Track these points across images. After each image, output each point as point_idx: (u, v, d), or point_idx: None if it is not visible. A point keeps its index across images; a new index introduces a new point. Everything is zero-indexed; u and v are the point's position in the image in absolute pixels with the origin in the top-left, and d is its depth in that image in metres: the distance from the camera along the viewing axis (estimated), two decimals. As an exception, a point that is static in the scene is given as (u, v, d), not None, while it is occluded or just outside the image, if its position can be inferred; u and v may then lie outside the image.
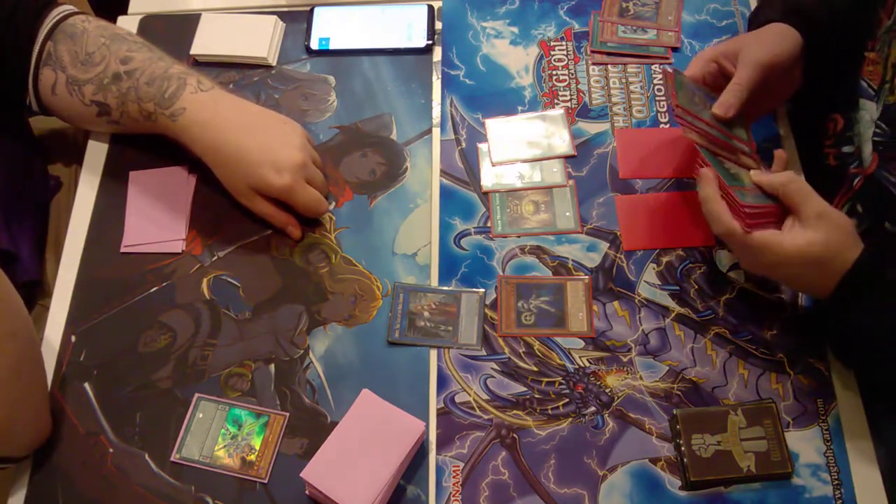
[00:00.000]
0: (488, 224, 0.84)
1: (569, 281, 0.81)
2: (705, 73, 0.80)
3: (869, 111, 0.78)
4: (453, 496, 0.71)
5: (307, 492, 0.71)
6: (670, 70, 0.80)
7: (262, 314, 0.80)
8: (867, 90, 0.79)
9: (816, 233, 0.67)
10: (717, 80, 0.79)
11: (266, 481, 0.72)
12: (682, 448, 0.71)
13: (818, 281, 0.69)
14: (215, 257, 0.83)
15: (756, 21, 0.83)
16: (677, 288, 0.81)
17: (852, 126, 0.81)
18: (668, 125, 0.90)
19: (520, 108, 0.91)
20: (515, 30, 0.97)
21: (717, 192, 0.72)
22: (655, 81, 0.92)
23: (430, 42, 0.95)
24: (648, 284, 0.81)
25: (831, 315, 0.71)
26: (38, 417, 0.72)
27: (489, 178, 0.87)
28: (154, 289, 0.82)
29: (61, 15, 0.84)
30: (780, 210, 0.71)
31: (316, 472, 0.68)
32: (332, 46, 0.96)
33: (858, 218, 0.78)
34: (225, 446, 0.74)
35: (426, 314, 0.80)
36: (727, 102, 0.75)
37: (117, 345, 0.79)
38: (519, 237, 0.84)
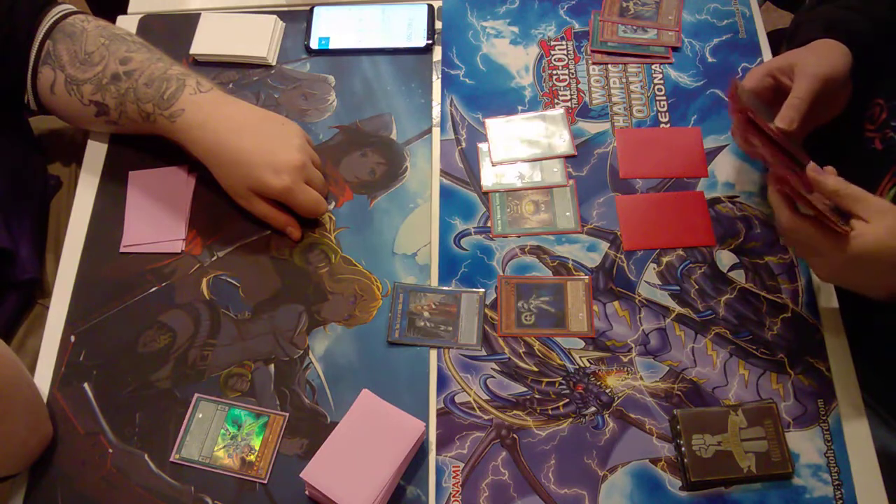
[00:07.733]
0: (488, 224, 0.84)
1: (569, 281, 0.81)
2: (760, 88, 0.78)
3: None
4: (453, 496, 0.71)
5: (307, 492, 0.71)
6: (735, 80, 0.77)
7: (262, 314, 0.80)
8: None
9: (886, 229, 0.65)
10: (772, 95, 0.78)
11: (266, 482, 0.72)
12: (683, 448, 0.71)
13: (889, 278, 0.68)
14: (215, 257, 0.83)
15: (796, 40, 0.81)
16: (677, 288, 0.80)
17: None
18: (668, 125, 0.90)
19: (520, 107, 0.91)
20: (515, 29, 0.97)
21: (789, 209, 0.70)
22: (655, 81, 0.92)
23: (430, 42, 0.95)
24: (649, 284, 0.81)
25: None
26: (32, 433, 0.71)
27: (489, 177, 0.87)
28: (153, 289, 0.81)
29: (60, 14, 0.83)
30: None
31: (316, 473, 0.68)
32: (331, 46, 0.96)
33: None
34: (224, 446, 0.74)
35: (426, 314, 0.80)
36: (789, 116, 0.73)
37: (117, 345, 0.79)
38: (519, 237, 0.84)
